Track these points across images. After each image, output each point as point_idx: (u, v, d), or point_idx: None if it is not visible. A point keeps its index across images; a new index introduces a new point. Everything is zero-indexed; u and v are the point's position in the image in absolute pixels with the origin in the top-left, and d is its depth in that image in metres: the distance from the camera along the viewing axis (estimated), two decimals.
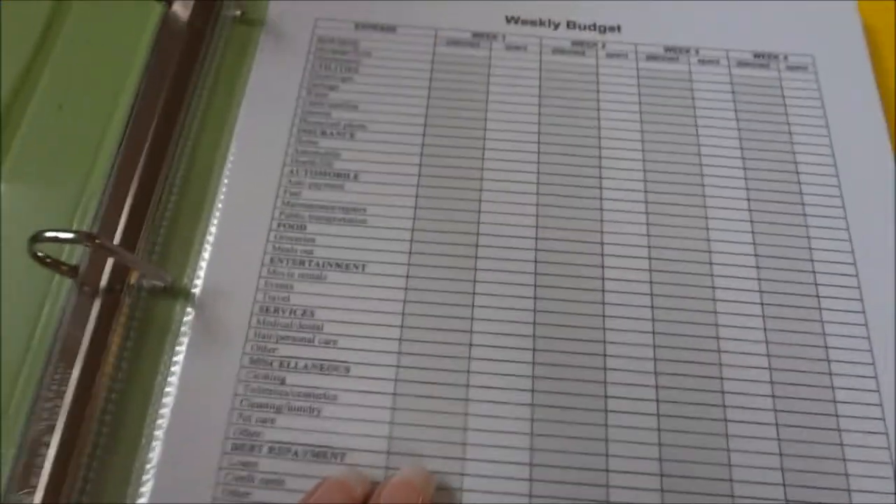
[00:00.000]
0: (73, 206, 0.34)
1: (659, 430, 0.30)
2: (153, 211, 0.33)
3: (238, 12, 0.39)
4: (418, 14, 0.39)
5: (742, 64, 0.38)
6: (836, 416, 0.30)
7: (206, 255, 0.33)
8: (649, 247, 0.33)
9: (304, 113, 0.36)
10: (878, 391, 0.30)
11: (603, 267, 0.33)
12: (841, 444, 0.29)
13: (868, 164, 0.35)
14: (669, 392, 0.30)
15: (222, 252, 0.33)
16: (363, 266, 0.33)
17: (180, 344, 0.31)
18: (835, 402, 0.30)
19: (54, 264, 0.31)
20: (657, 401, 0.30)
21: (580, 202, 0.34)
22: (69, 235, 0.28)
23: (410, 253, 0.33)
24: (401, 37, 0.39)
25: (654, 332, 0.31)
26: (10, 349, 0.31)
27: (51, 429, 0.28)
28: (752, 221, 0.34)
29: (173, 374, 0.30)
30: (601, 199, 0.34)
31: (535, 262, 0.33)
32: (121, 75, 0.37)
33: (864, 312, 0.32)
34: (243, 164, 0.35)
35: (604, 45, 0.39)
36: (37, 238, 0.28)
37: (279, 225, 0.33)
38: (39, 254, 0.30)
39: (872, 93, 0.37)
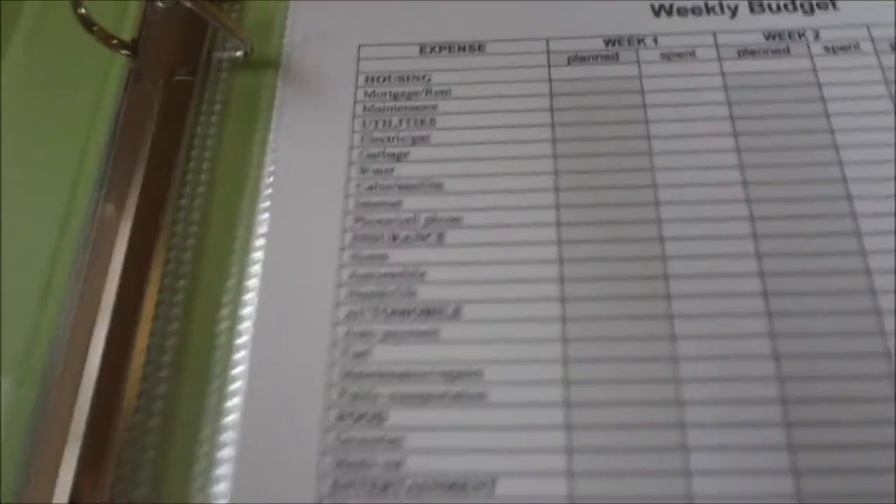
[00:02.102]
0: None
1: None
2: None
3: (239, 52, 0.25)
4: (518, 19, 0.25)
5: None
6: None
7: None
8: None
9: (357, 206, 0.23)
10: None
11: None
12: None
13: None
14: None
15: None
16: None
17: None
18: None
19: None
20: None
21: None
22: None
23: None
24: (493, 58, 0.24)
25: None
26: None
27: None
28: None
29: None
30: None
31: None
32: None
33: None
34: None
35: (817, 34, 0.24)
36: None
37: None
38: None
39: None
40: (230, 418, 0.20)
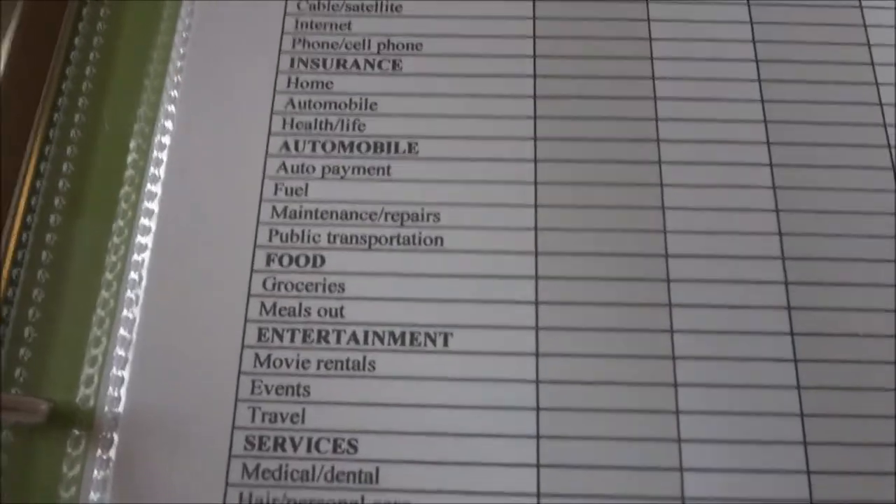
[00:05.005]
0: None
1: None
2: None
3: None
4: None
5: None
6: None
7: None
8: None
9: (298, 27, 0.19)
10: None
11: None
12: None
13: None
14: None
15: None
16: None
17: None
18: None
19: None
20: None
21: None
22: None
23: None
24: None
25: None
26: None
27: None
28: None
29: None
30: None
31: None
32: None
33: None
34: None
35: None
36: None
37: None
38: None
39: None
40: (138, 257, 0.17)
